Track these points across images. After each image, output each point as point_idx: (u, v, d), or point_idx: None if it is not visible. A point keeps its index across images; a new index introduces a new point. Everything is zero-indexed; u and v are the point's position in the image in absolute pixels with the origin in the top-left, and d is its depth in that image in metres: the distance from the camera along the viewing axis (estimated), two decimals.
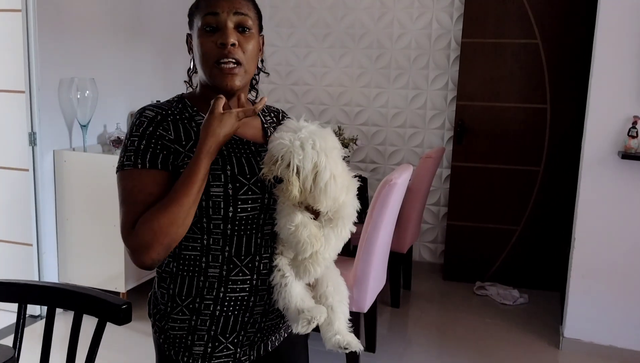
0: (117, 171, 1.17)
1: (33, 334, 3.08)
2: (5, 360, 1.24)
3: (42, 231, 3.30)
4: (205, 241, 1.17)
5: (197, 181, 1.09)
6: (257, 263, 1.20)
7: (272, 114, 1.38)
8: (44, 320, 3.18)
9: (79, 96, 3.32)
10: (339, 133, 3.71)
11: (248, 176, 1.17)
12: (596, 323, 3.11)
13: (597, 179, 3.03)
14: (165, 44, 4.22)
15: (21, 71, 3.14)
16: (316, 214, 1.17)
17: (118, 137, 3.48)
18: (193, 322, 1.20)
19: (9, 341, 1.54)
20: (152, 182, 1.12)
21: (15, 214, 3.34)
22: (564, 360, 3.09)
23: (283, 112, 1.42)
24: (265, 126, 1.32)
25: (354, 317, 2.72)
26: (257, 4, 1.27)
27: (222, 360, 1.22)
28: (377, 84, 4.45)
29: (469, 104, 3.98)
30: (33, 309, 3.31)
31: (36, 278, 3.31)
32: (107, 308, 1.36)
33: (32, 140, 3.21)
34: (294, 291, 1.19)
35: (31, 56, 3.12)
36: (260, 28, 1.26)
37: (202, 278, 1.18)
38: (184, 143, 1.16)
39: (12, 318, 3.06)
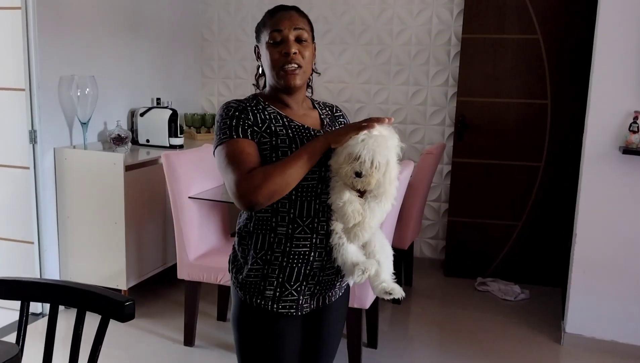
0: (216, 147, 1.46)
1: (34, 332, 3.09)
2: (10, 358, 1.24)
3: (43, 229, 3.30)
4: (275, 204, 1.45)
5: (309, 153, 1.39)
6: (316, 225, 1.48)
7: (327, 109, 1.68)
8: (45, 318, 3.19)
9: (79, 94, 3.32)
10: None
11: None
12: (598, 318, 3.11)
13: (598, 175, 3.03)
14: (165, 41, 4.21)
15: (21, 69, 3.13)
16: (362, 193, 1.41)
17: (118, 134, 3.47)
18: (265, 271, 1.49)
19: (10, 339, 1.54)
20: (247, 145, 1.43)
21: (16, 212, 3.34)
22: (566, 356, 3.10)
23: (337, 106, 1.71)
24: (322, 117, 1.62)
25: (356, 313, 2.74)
26: (310, 20, 1.56)
27: (287, 304, 1.51)
28: (378, 80, 4.45)
29: (470, 100, 3.97)
30: (34, 307, 3.31)
31: (37, 276, 3.31)
32: (111, 305, 1.37)
33: (33, 138, 3.20)
34: (349, 249, 1.47)
35: (31, 54, 3.12)
36: (313, 38, 1.55)
37: (272, 235, 1.47)
38: (260, 125, 1.46)
39: (12, 317, 3.07)
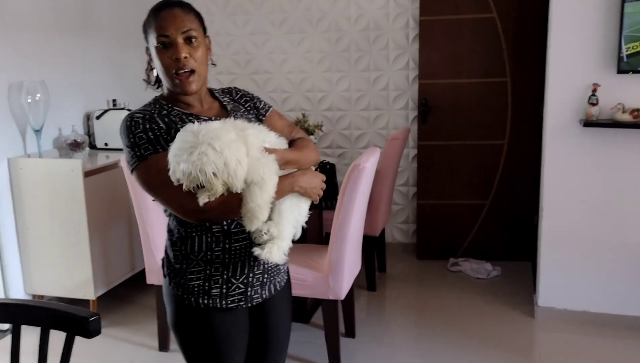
0: (137, 164, 1.41)
1: (5, 347, 2.98)
2: None
3: (2, 243, 3.17)
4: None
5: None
6: None
7: (226, 95, 1.63)
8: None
9: (29, 100, 3.18)
10: (303, 121, 3.65)
11: None
12: (569, 289, 3.16)
13: (561, 149, 3.07)
14: (118, 39, 4.08)
15: None
16: None
17: (74, 140, 3.36)
18: (208, 271, 1.47)
19: None
20: None
21: None
22: (540, 328, 3.15)
23: (234, 88, 1.66)
24: (224, 104, 1.58)
25: (332, 305, 2.71)
26: (197, 12, 1.50)
27: (235, 297, 1.50)
28: (338, 68, 4.41)
29: (431, 82, 3.97)
30: (2, 324, 3.20)
31: (1, 292, 3.19)
32: (75, 322, 1.30)
33: None
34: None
35: None
36: (205, 31, 1.51)
37: (209, 235, 1.46)
38: (172, 131, 1.41)
39: None
